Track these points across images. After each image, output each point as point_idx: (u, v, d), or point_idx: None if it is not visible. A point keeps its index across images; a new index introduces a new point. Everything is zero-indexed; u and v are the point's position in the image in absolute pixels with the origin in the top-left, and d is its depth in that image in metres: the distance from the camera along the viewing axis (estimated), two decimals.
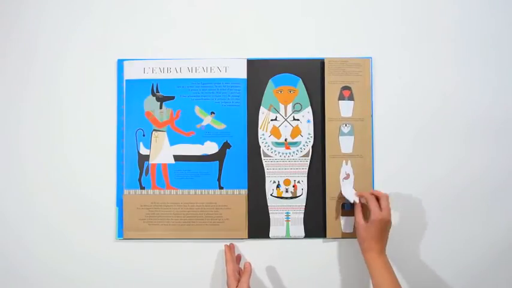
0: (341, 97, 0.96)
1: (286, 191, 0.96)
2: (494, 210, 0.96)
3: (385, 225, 0.87)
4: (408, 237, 0.96)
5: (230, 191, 0.96)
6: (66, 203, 0.97)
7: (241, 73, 0.97)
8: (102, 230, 0.97)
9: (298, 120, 0.97)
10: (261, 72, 0.97)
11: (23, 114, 0.98)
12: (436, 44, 0.98)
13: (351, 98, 0.96)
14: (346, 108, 0.96)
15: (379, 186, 0.96)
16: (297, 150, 0.96)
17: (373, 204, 0.88)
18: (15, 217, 0.97)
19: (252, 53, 0.98)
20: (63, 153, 0.97)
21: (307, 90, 0.97)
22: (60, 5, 0.99)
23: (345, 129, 0.96)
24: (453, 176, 0.96)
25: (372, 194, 0.91)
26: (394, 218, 0.95)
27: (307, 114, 0.97)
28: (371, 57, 0.97)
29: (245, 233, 0.96)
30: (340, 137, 0.96)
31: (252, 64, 0.97)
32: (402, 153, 0.97)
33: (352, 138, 0.96)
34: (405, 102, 0.97)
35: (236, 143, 0.96)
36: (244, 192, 0.96)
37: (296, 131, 0.97)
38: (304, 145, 0.96)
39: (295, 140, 0.97)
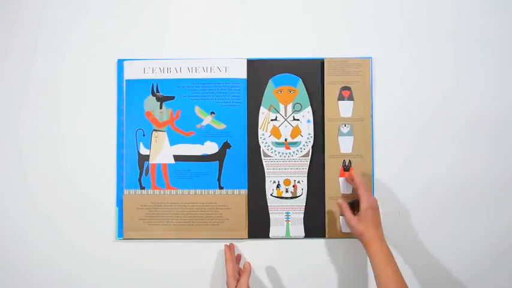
0: (340, 97, 0.96)
1: (286, 191, 0.96)
2: (494, 210, 0.96)
3: (377, 210, 0.87)
4: (408, 237, 0.96)
5: (230, 191, 0.96)
6: (66, 203, 0.97)
7: (241, 73, 0.97)
8: (102, 230, 0.97)
9: (298, 120, 0.97)
10: (261, 72, 0.97)
11: (23, 114, 0.98)
12: (436, 44, 0.98)
13: (350, 98, 0.96)
14: (345, 108, 0.96)
15: (379, 186, 0.96)
16: (297, 150, 0.96)
17: (363, 191, 0.87)
18: (15, 217, 0.97)
19: (252, 53, 0.98)
20: (63, 153, 0.97)
21: (307, 90, 0.97)
22: (60, 5, 0.99)
23: (344, 130, 0.96)
24: (453, 176, 0.96)
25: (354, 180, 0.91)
26: (395, 218, 0.95)
27: (307, 114, 0.97)
28: (371, 57, 0.97)
29: (245, 233, 0.96)
30: (339, 137, 0.96)
31: (252, 64, 0.97)
32: (402, 154, 0.97)
33: (351, 138, 0.96)
34: (405, 102, 0.97)
35: (236, 143, 0.96)
36: (244, 192, 0.96)
37: (296, 131, 0.97)
38: (304, 145, 0.96)
39: (295, 140, 0.97)
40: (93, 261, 0.97)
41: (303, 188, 0.96)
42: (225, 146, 0.96)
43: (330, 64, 0.96)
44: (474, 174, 0.96)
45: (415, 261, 0.96)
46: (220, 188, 0.96)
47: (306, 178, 0.96)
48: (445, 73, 0.97)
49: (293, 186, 0.96)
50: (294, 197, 0.96)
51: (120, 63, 0.98)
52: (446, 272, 0.96)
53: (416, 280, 0.95)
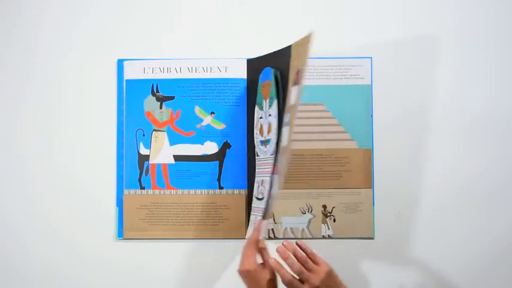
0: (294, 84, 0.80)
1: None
2: (494, 210, 0.96)
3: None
4: (408, 237, 0.96)
5: (230, 191, 0.96)
6: (67, 203, 0.97)
7: (241, 73, 0.97)
8: (102, 230, 0.97)
9: (271, 115, 0.87)
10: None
11: (23, 114, 0.98)
12: (436, 44, 0.98)
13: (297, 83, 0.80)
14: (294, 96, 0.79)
15: (379, 187, 0.96)
16: (269, 149, 0.87)
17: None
18: (15, 217, 0.97)
19: (252, 53, 0.97)
20: (63, 153, 0.97)
21: (276, 82, 0.86)
22: (60, 5, 0.99)
23: (286, 118, 0.80)
24: (453, 176, 0.96)
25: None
26: (395, 218, 0.95)
27: (275, 108, 0.86)
28: (371, 57, 0.97)
29: (245, 233, 0.96)
30: (283, 128, 0.82)
31: (252, 64, 0.97)
32: (402, 153, 0.97)
33: (287, 128, 0.80)
34: (405, 102, 0.97)
35: (236, 143, 0.96)
36: (244, 192, 0.96)
37: (269, 128, 0.87)
38: (273, 142, 0.86)
39: (269, 137, 0.87)
40: (93, 261, 0.97)
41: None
42: (225, 146, 0.96)
43: (293, 50, 0.84)
44: (473, 175, 0.96)
45: (414, 261, 0.96)
46: (220, 188, 0.96)
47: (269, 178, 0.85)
48: (445, 73, 0.97)
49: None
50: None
51: (120, 63, 0.98)
52: (445, 271, 0.96)
53: (416, 280, 0.95)
